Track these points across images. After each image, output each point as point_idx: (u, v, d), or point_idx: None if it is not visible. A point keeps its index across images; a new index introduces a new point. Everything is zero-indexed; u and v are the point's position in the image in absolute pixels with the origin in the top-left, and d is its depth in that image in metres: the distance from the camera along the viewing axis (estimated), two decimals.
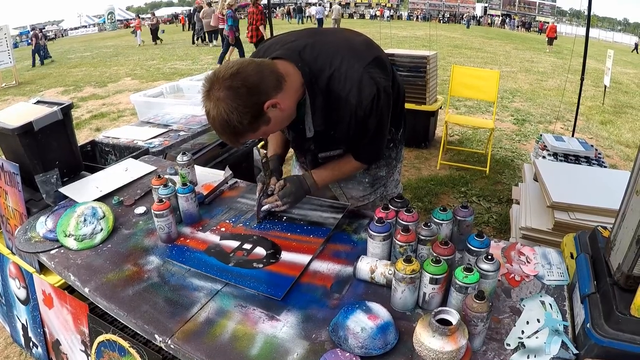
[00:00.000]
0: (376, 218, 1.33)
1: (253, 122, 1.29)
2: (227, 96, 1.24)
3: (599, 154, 3.14)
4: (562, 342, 1.07)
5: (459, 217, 1.39)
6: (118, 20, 45.08)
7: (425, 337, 0.95)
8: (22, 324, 2.04)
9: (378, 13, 40.64)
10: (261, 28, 9.29)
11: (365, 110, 1.40)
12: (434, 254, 1.16)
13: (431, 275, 1.12)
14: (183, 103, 3.34)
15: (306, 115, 1.46)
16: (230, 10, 10.43)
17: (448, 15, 41.44)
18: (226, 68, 1.28)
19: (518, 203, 2.79)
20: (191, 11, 24.27)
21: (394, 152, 1.82)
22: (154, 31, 14.93)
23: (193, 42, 18.08)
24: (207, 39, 16.95)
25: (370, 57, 1.43)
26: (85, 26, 43.61)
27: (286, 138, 1.81)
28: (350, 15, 43.18)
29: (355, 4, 46.39)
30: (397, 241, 1.27)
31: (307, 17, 33.55)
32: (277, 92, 1.31)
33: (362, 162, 1.66)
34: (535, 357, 1.04)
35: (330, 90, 1.40)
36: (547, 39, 17.95)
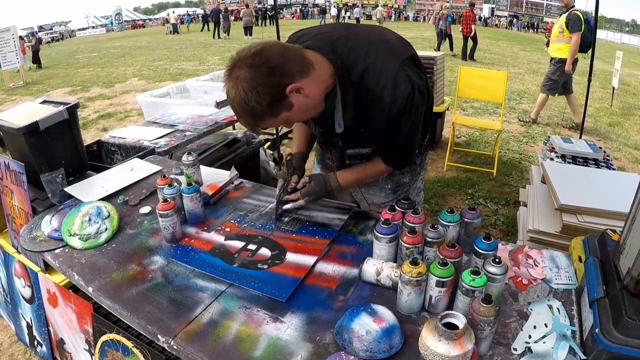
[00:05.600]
0: (382, 219, 1.32)
1: (273, 105, 1.23)
2: (248, 74, 1.18)
3: (607, 156, 3.11)
4: (570, 347, 1.05)
5: (466, 219, 1.37)
6: (125, 21, 45.37)
7: (431, 341, 0.94)
8: (27, 323, 2.04)
9: (385, 15, 40.62)
10: (473, 26, 12.39)
11: (399, 109, 1.32)
12: (441, 257, 1.15)
13: (438, 278, 1.11)
14: (189, 103, 3.35)
15: (336, 110, 1.39)
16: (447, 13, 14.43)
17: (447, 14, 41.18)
18: (250, 47, 1.22)
19: (525, 205, 2.77)
20: (207, 12, 28.53)
21: (418, 158, 1.76)
22: (35, 53, 14.78)
23: (214, 37, 21.96)
24: (245, 33, 20.55)
25: (406, 54, 1.37)
26: (93, 27, 43.90)
27: (311, 135, 1.76)
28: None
29: (362, 4, 46.35)
30: (403, 243, 1.25)
31: (331, 19, 33.39)
32: (303, 77, 1.25)
33: (391, 166, 1.60)
34: None
35: (363, 85, 1.33)
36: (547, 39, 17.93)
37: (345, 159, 1.61)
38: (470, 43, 12.72)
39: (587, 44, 5.34)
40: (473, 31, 12.45)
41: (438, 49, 13.40)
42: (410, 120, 1.38)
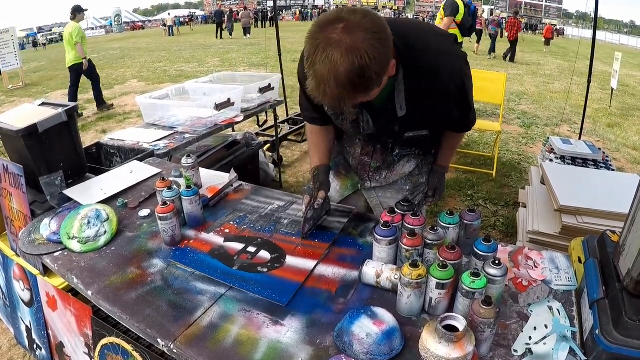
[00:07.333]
0: (382, 222, 1.31)
1: (380, 77, 1.13)
2: (372, 39, 1.05)
3: (607, 157, 3.11)
4: (570, 348, 1.05)
5: (466, 221, 1.37)
6: (125, 23, 45.41)
7: (431, 344, 0.94)
8: (26, 326, 2.03)
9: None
10: (519, 33, 14.04)
11: (456, 82, 1.37)
12: (441, 259, 1.15)
13: (438, 280, 1.11)
14: (189, 105, 3.35)
15: (397, 92, 1.35)
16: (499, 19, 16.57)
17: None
18: (355, 10, 1.10)
19: (525, 206, 2.77)
20: (212, 13, 31.69)
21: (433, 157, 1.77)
22: None
23: (217, 37, 23.36)
24: (244, 34, 23.02)
25: (451, 35, 1.46)
26: (92, 28, 43.84)
27: (329, 144, 1.69)
28: None
29: (361, 6, 46.31)
30: (403, 245, 1.25)
31: None
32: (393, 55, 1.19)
33: (467, 130, 1.69)
34: None
35: (423, 65, 1.30)
36: (544, 39, 19.39)
37: (395, 146, 1.65)
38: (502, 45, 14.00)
39: (468, 28, 5.65)
40: (515, 36, 13.78)
41: (492, 52, 14.96)
42: (470, 83, 1.44)
